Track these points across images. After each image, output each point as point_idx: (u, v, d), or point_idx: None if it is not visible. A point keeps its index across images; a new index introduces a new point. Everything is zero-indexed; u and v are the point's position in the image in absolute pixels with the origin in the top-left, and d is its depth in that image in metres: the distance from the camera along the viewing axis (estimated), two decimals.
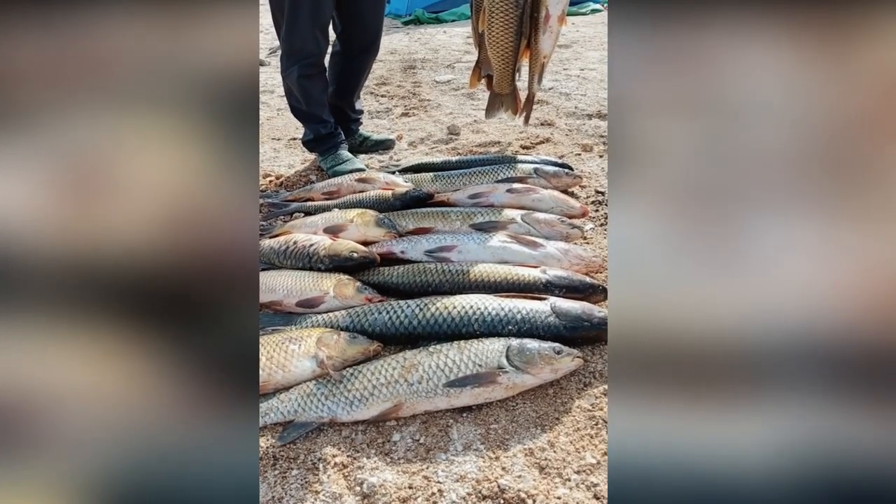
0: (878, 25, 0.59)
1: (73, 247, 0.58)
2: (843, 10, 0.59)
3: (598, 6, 6.09)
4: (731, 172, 0.62)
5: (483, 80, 2.00)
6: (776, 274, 0.61)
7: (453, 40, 4.45)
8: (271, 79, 3.49)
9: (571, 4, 5.69)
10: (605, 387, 1.09)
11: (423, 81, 3.35)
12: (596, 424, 1.02)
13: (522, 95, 1.99)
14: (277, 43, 4.34)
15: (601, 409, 1.04)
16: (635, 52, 0.64)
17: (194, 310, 0.61)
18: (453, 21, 5.48)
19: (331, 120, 2.10)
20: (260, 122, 2.82)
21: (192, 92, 0.61)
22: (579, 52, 3.79)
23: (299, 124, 2.22)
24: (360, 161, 2.14)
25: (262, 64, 3.71)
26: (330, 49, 2.10)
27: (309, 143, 2.14)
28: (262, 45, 4.42)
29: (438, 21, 5.52)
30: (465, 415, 1.05)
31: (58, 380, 0.58)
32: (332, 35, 2.09)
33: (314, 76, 1.96)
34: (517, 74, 1.92)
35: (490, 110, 2.04)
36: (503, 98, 2.00)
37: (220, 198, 0.62)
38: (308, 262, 1.41)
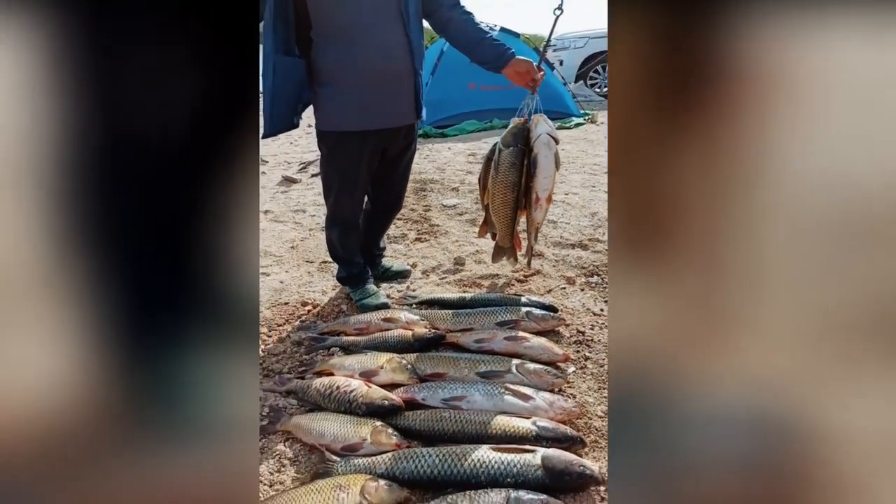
0: None
1: None
2: None
3: (581, 120, 6.77)
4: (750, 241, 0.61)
5: (489, 234, 2.59)
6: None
7: (457, 157, 5.06)
8: (303, 196, 3.97)
9: (556, 118, 6.41)
10: None
11: (432, 205, 3.86)
12: None
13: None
14: (307, 158, 4.92)
15: None
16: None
17: None
18: (455, 136, 6.21)
19: (361, 261, 2.56)
20: (294, 242, 3.28)
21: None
22: (564, 175, 4.29)
23: None
24: (383, 293, 2.57)
25: (293, 181, 4.23)
26: None
27: (342, 280, 2.59)
28: (292, 160, 5.00)
29: (444, 136, 6.25)
30: None
31: None
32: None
33: (350, 233, 2.45)
34: (515, 232, 2.49)
35: (495, 257, 2.64)
36: (505, 250, 2.57)
37: None
38: (348, 406, 1.80)
